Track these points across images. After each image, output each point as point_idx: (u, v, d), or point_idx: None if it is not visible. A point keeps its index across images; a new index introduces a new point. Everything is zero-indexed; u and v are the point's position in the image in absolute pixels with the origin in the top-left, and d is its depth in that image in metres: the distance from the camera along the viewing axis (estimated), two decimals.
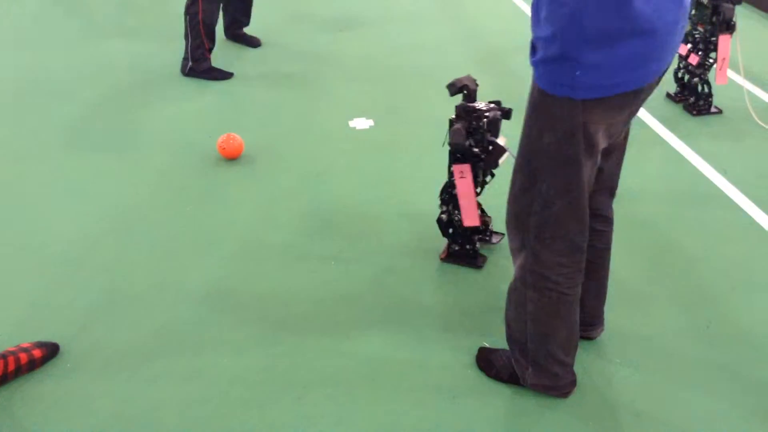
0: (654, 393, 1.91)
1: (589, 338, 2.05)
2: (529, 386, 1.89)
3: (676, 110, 3.54)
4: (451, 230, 2.39)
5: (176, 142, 3.24)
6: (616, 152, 1.75)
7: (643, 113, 3.46)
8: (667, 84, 3.61)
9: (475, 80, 2.23)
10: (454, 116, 2.22)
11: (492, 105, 2.22)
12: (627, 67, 1.45)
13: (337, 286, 2.31)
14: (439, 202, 2.37)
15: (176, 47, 4.01)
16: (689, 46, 3.42)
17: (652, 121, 3.41)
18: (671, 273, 2.38)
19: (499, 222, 2.37)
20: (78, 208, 2.72)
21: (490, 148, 2.22)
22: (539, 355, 1.80)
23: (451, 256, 2.42)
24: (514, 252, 1.74)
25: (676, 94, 3.61)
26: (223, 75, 3.94)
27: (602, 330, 2.07)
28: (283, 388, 1.92)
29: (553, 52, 1.45)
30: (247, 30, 4.44)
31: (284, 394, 1.90)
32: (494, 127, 2.20)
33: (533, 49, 1.53)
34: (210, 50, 3.91)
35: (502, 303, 1.86)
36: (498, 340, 2.02)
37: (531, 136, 1.57)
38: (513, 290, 1.79)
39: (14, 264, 2.40)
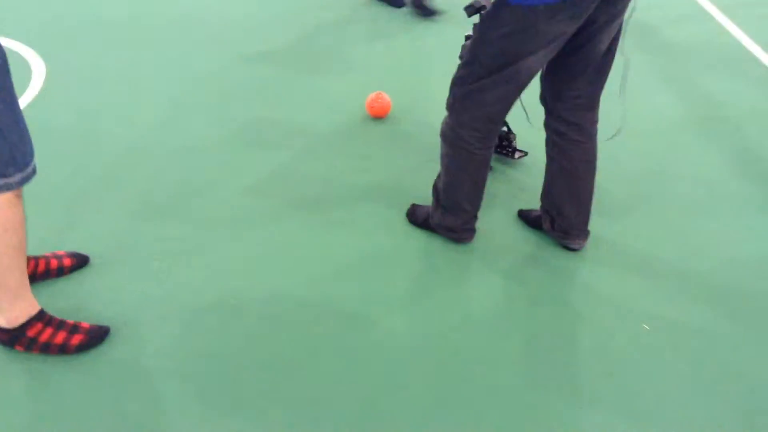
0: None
1: (568, 248, 2.31)
2: (434, 226, 2.32)
3: None
4: None
5: (325, 100, 3.35)
6: (592, 68, 1.95)
7: None
8: None
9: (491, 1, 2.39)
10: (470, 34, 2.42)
11: None
12: None
13: (478, 244, 2.36)
14: None
15: None
16: None
17: None
18: None
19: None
20: (239, 160, 2.90)
21: None
22: (447, 201, 2.22)
23: None
24: (447, 110, 2.07)
25: None
26: (395, 2, 4.43)
27: (583, 243, 2.29)
28: (440, 318, 2.01)
29: None
30: None
31: (443, 323, 1.99)
32: None
33: None
34: None
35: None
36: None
37: (480, 32, 1.88)
38: (440, 145, 2.14)
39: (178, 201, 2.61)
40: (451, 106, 2.06)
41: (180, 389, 1.83)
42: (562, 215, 2.24)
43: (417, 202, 2.51)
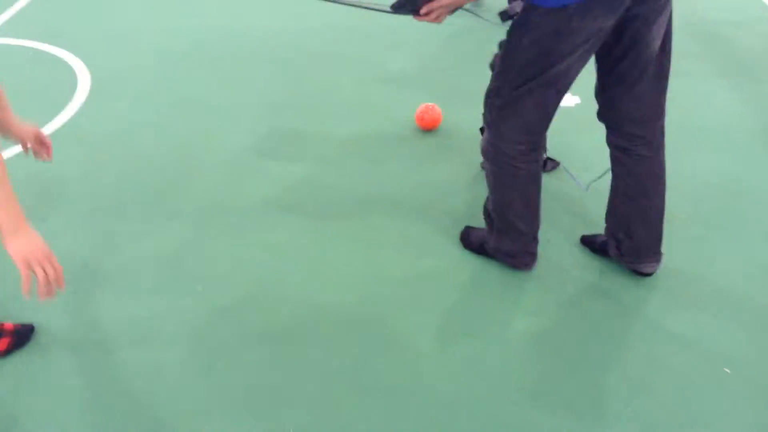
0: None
1: (639, 272, 2.12)
2: (491, 251, 2.18)
3: None
4: None
5: (373, 109, 3.23)
6: (648, 73, 1.78)
7: None
8: None
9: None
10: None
11: None
12: None
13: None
14: None
15: None
16: None
17: None
18: None
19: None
20: (272, 168, 2.80)
21: None
22: (500, 223, 2.08)
23: None
24: (484, 128, 1.95)
25: None
26: None
27: (656, 267, 2.10)
28: (491, 353, 1.85)
29: None
30: None
31: (494, 359, 1.84)
32: None
33: None
34: None
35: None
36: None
37: (512, 40, 1.76)
38: (482, 164, 2.02)
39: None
40: (488, 119, 1.92)
41: (195, 406, 1.74)
42: (630, 236, 2.05)
43: (470, 223, 2.36)
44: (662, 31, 1.74)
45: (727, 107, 3.21)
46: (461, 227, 2.37)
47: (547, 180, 2.62)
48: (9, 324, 1.95)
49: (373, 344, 1.95)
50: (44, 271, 1.45)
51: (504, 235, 2.10)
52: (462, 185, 2.65)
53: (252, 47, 3.92)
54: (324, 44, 3.95)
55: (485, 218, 2.17)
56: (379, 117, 3.16)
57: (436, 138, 2.98)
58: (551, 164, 2.70)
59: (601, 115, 1.95)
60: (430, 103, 3.04)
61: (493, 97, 1.87)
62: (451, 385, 1.82)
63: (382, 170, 2.76)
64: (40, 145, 1.84)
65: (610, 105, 1.91)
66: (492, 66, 2.35)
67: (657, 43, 1.74)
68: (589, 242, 2.27)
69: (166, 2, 4.61)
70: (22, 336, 1.95)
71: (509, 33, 1.78)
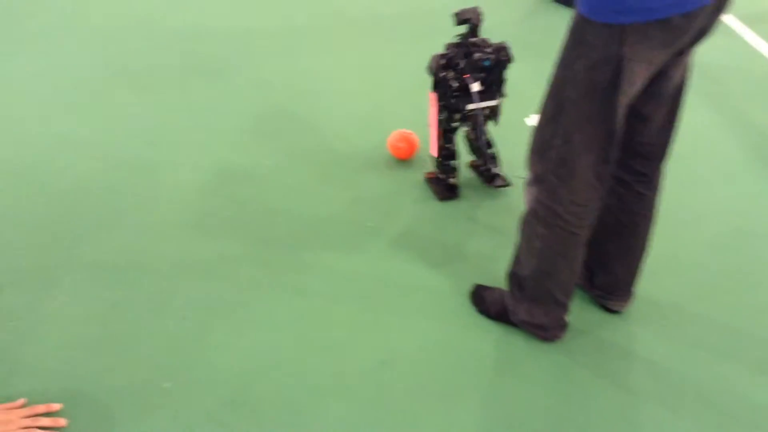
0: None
1: (609, 309, 2.01)
2: (517, 323, 1.90)
3: None
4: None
5: (345, 135, 2.90)
6: (665, 108, 1.63)
7: None
8: None
9: (480, 14, 2.16)
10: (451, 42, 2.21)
11: (495, 44, 2.17)
12: None
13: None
14: None
15: None
16: None
17: None
18: None
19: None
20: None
21: (474, 90, 2.16)
22: (537, 292, 1.81)
23: (429, 180, 2.54)
24: (531, 182, 1.67)
25: None
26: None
27: (625, 306, 2.00)
28: None
29: None
30: None
31: None
32: (474, 68, 2.15)
33: None
34: None
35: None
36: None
37: (563, 65, 1.48)
38: (525, 223, 1.75)
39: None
40: (541, 176, 1.63)
41: None
42: (607, 271, 1.95)
43: (479, 279, 2.08)
44: (685, 65, 1.58)
45: (708, 125, 3.10)
46: (463, 272, 2.10)
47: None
48: None
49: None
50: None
51: (537, 306, 1.84)
52: (461, 229, 2.38)
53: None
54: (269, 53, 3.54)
55: (512, 284, 1.89)
56: (351, 135, 2.84)
57: (413, 168, 2.68)
58: (500, 181, 2.56)
59: None
60: (403, 130, 2.73)
61: (546, 150, 1.57)
62: None
63: (365, 213, 2.44)
64: None
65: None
66: (429, 69, 2.22)
67: (678, 78, 1.59)
68: None
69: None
70: None
71: (560, 59, 1.48)
